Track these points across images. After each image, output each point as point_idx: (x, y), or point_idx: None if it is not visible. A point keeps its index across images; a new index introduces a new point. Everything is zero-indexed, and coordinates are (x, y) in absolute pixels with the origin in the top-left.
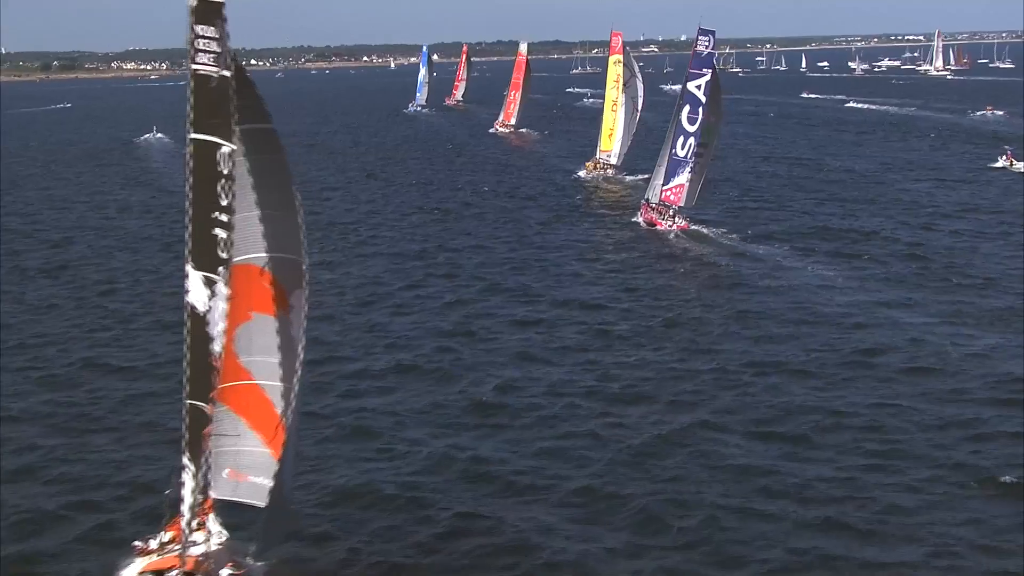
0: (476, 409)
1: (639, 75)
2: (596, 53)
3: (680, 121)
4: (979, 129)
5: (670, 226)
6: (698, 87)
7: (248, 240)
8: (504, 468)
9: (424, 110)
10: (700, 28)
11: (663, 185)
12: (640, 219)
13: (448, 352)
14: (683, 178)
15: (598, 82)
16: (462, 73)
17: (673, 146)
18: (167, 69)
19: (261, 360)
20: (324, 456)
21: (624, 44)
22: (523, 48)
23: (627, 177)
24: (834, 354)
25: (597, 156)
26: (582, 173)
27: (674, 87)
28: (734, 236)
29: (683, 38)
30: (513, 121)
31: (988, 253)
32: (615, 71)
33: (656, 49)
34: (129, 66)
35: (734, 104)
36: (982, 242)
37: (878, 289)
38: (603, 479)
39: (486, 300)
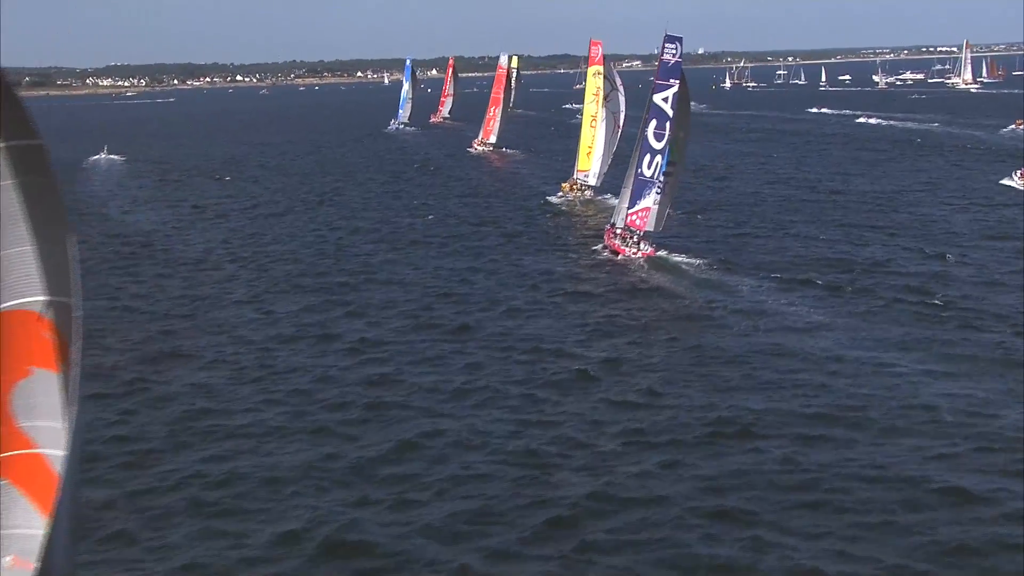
0: (378, 469)
1: (621, 88)
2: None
3: (646, 137)
4: (1004, 146)
5: (634, 254)
6: (665, 100)
7: (21, 281)
8: (384, 545)
9: (406, 128)
10: (666, 35)
11: (628, 208)
12: (603, 246)
13: (356, 404)
14: (649, 200)
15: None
16: (448, 88)
17: (639, 165)
18: (146, 85)
19: (46, 425)
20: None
21: (604, 55)
22: (503, 60)
23: (606, 199)
24: (809, 409)
25: (574, 176)
26: (558, 196)
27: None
28: (709, 265)
29: (700, 51)
30: (493, 139)
31: (988, 284)
32: (594, 84)
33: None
34: (106, 82)
35: (732, 120)
36: (984, 274)
37: (868, 331)
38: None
39: (412, 337)
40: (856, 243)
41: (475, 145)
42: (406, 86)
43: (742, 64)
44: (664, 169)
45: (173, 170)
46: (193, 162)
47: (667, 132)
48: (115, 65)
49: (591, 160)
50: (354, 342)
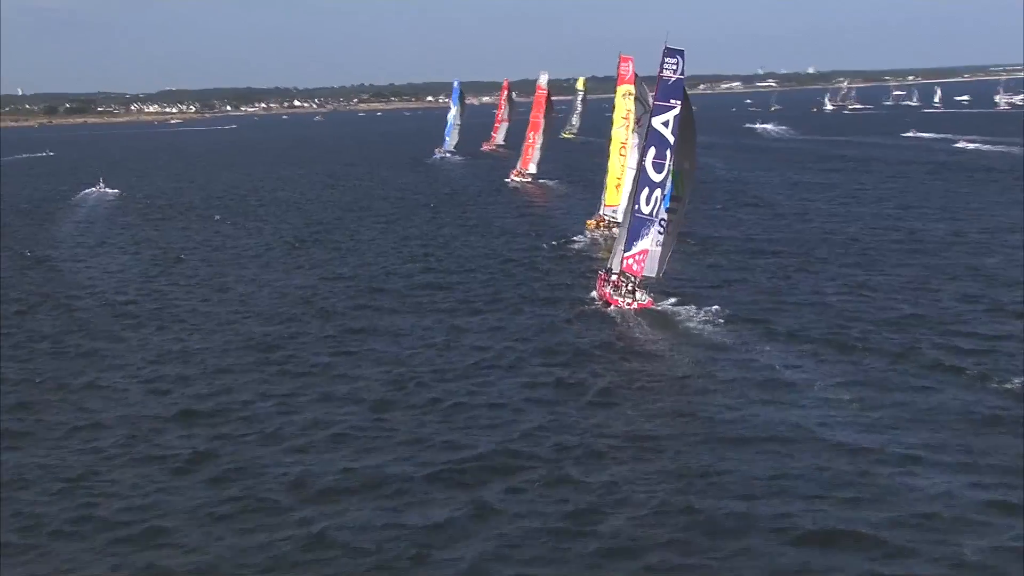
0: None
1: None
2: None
3: (644, 168)
4: None
5: (628, 304)
6: (664, 124)
7: None
8: None
9: (451, 157)
10: (666, 48)
11: (624, 251)
12: (596, 295)
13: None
14: (648, 241)
15: None
16: (503, 113)
17: (636, 201)
18: (195, 112)
19: None
20: None
21: (636, 73)
22: (543, 80)
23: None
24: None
25: (601, 212)
26: (583, 235)
27: (765, 126)
28: (721, 322)
29: (811, 70)
30: (532, 169)
31: None
32: (623, 106)
33: (776, 84)
34: (151, 109)
35: (818, 147)
36: None
37: (920, 432)
38: None
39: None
40: (926, 298)
41: (513, 176)
42: (453, 111)
43: (847, 84)
44: (667, 205)
45: (163, 206)
46: (191, 197)
47: (667, 162)
48: (168, 90)
49: (620, 194)
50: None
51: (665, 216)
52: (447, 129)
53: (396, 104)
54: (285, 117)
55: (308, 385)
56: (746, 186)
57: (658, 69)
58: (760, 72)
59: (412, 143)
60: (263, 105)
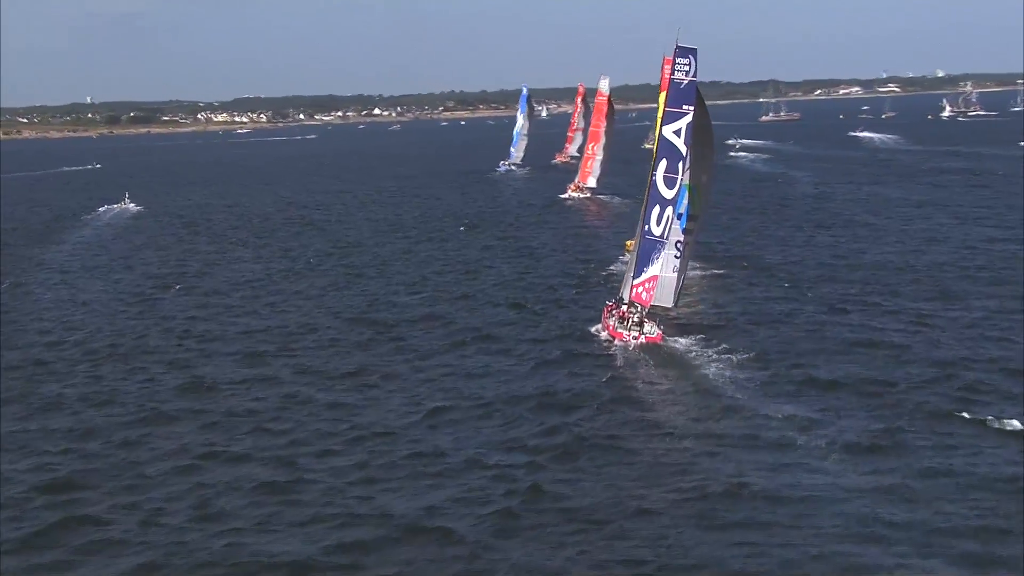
0: None
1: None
2: (794, 96)
3: (655, 183)
4: None
5: (634, 338)
6: (676, 133)
7: None
8: None
9: (516, 170)
10: (677, 47)
11: (634, 278)
12: (601, 328)
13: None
14: (659, 267)
15: (785, 130)
16: (578, 122)
17: (646, 220)
18: (267, 121)
19: None
20: None
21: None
22: (604, 86)
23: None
24: None
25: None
26: (623, 258)
27: (871, 135)
28: (735, 364)
29: (939, 74)
30: (591, 183)
31: None
32: None
33: (897, 89)
34: (220, 118)
35: (924, 159)
36: None
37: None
38: None
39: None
40: (996, 342)
41: (570, 191)
42: (520, 119)
43: (969, 88)
44: (683, 226)
45: (182, 226)
46: (216, 215)
47: (679, 175)
48: (244, 98)
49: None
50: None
51: (681, 238)
52: (513, 140)
53: (483, 112)
54: (361, 126)
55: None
56: (828, 203)
57: (669, 71)
58: (882, 76)
59: (482, 154)
60: (339, 114)
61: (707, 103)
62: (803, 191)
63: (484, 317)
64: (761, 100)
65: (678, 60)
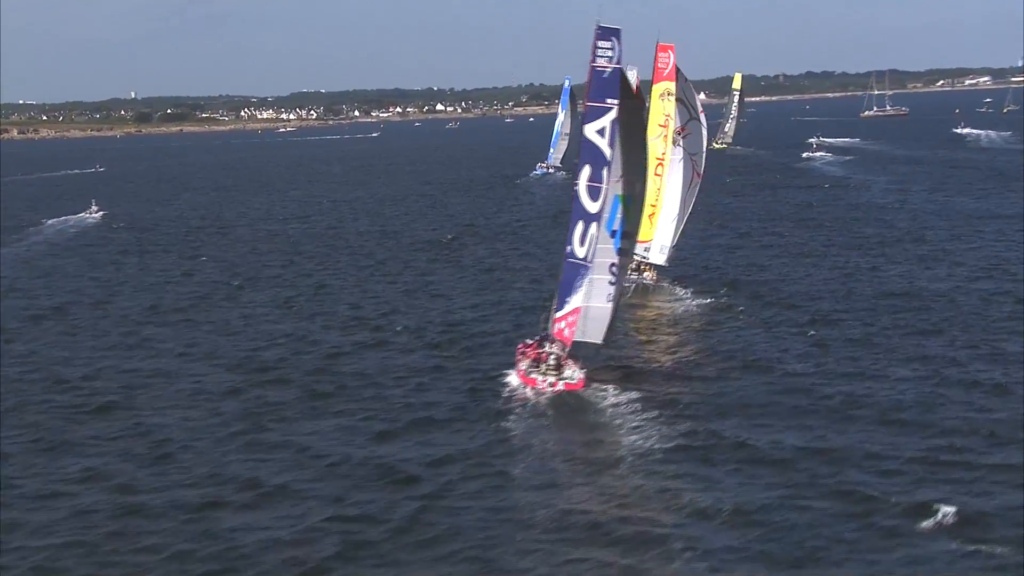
0: None
1: (703, 117)
2: (914, 87)
3: (577, 195)
4: None
5: (550, 385)
6: (599, 132)
7: None
8: None
9: (554, 173)
10: (598, 27)
11: (556, 311)
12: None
13: None
14: (584, 295)
15: (885, 128)
16: None
17: (568, 240)
18: (316, 118)
19: None
20: None
21: (678, 67)
22: (631, 78)
23: (674, 287)
24: None
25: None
26: None
27: (978, 132)
28: (669, 422)
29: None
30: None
31: None
32: (661, 109)
33: None
34: (264, 115)
35: (1003, 160)
36: None
37: None
38: None
39: None
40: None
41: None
42: (561, 117)
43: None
44: (618, 245)
45: (128, 241)
46: (182, 226)
47: (604, 184)
48: (302, 92)
49: (654, 225)
50: None
51: (616, 260)
52: (553, 140)
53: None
54: (417, 124)
55: None
56: (887, 215)
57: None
58: (1021, 64)
59: (528, 155)
60: (398, 109)
61: (815, 96)
62: (866, 200)
63: (379, 361)
64: (867, 93)
65: (599, 44)
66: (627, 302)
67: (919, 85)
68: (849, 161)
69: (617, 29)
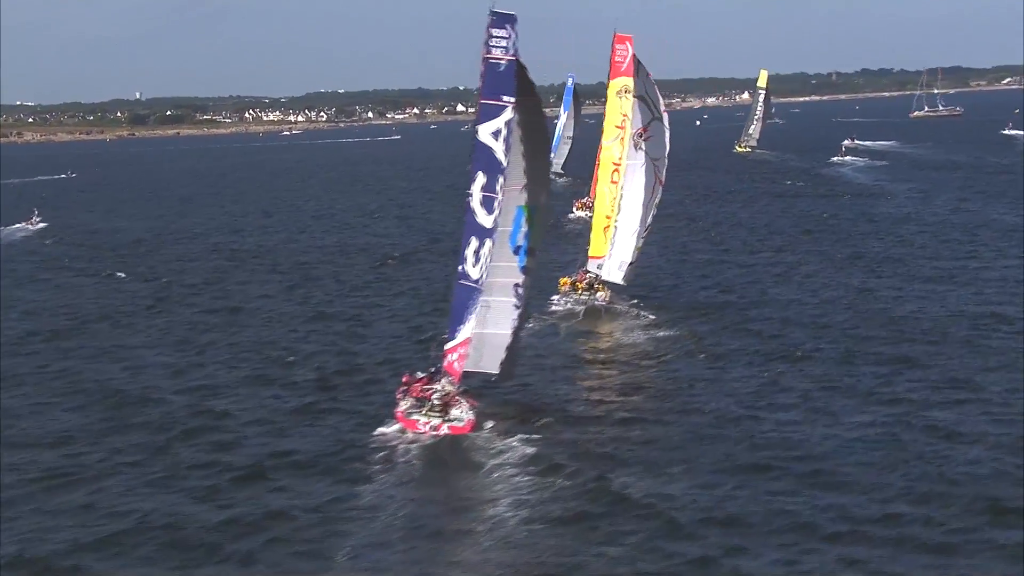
0: None
1: (666, 117)
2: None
3: (470, 207)
4: None
5: (434, 429)
6: (494, 134)
7: None
8: None
9: (553, 180)
10: (492, 13)
11: (448, 341)
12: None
13: None
14: (476, 322)
15: (932, 129)
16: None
17: (461, 259)
18: (326, 120)
19: None
20: None
21: (639, 61)
22: None
23: (631, 307)
24: None
25: (584, 266)
26: (554, 302)
27: (1021, 133)
28: (569, 475)
29: None
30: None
31: None
32: (618, 108)
33: None
34: (271, 116)
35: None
36: None
37: None
38: None
39: None
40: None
41: (576, 209)
42: (563, 119)
43: None
44: (523, 263)
45: (69, 254)
46: (120, 238)
47: (499, 195)
48: (319, 92)
49: (608, 238)
50: None
51: (521, 280)
52: (554, 144)
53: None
54: (433, 126)
55: None
56: (901, 227)
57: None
58: None
59: None
60: (415, 111)
61: (870, 95)
62: (883, 210)
63: (252, 400)
64: (917, 92)
65: (493, 33)
66: (571, 328)
67: (983, 83)
68: (879, 167)
69: (512, 15)
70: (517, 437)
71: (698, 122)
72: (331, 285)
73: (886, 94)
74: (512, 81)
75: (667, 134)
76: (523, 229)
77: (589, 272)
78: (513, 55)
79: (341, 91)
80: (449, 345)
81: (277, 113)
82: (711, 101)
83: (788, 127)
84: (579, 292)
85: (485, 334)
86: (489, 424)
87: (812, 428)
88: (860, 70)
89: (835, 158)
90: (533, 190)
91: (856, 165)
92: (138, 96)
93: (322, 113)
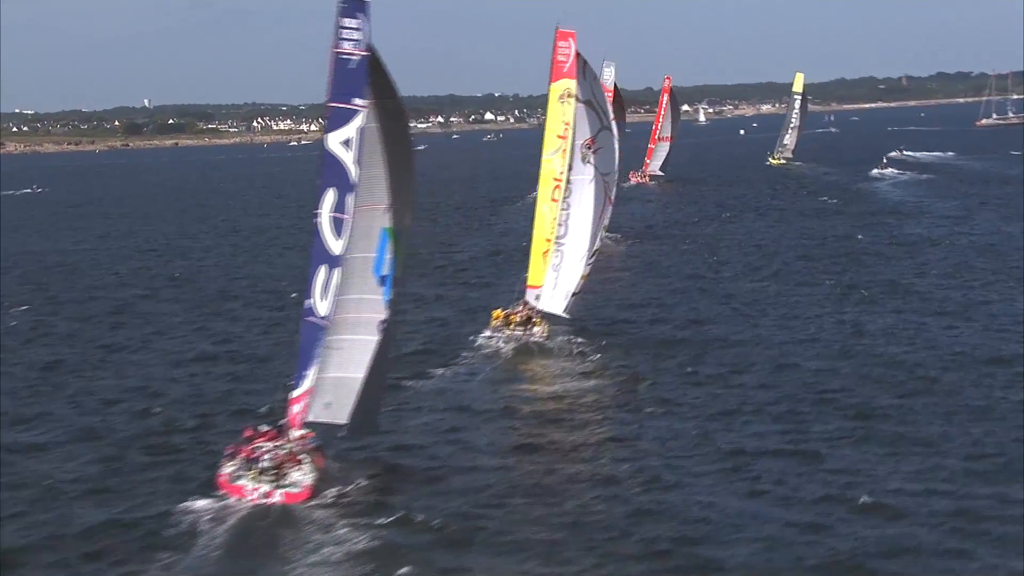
0: None
1: (615, 127)
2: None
3: (318, 231)
4: None
5: (264, 496)
6: (345, 144)
7: None
8: None
9: None
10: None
11: (293, 389)
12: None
13: None
14: (324, 366)
15: (999, 139)
16: (663, 128)
17: (308, 292)
18: None
19: None
20: None
21: (584, 60)
22: (607, 77)
23: (576, 350)
24: None
25: (524, 297)
26: (482, 338)
27: None
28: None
29: None
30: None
31: None
32: (559, 115)
33: None
34: (282, 125)
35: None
36: None
37: None
38: None
39: None
40: None
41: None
42: None
43: None
44: (388, 296)
45: None
46: (53, 261)
47: (349, 216)
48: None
49: (548, 264)
50: None
51: (386, 315)
52: None
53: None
54: (456, 135)
55: None
56: (927, 250)
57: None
58: None
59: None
60: (439, 119)
61: (942, 100)
62: (909, 232)
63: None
64: (985, 98)
65: (343, 22)
66: (492, 370)
67: (995, 90)
68: (922, 181)
69: (365, 2)
70: (366, 509)
71: (743, 131)
72: (245, 316)
73: (960, 100)
74: (365, 80)
75: (616, 145)
76: (389, 256)
77: (527, 303)
78: (367, 50)
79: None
80: (294, 393)
81: (288, 122)
82: (765, 108)
83: (840, 136)
84: (512, 327)
85: (344, 378)
86: (333, 491)
87: (724, 502)
88: (935, 73)
89: (874, 171)
90: (399, 210)
91: (897, 180)
92: (146, 103)
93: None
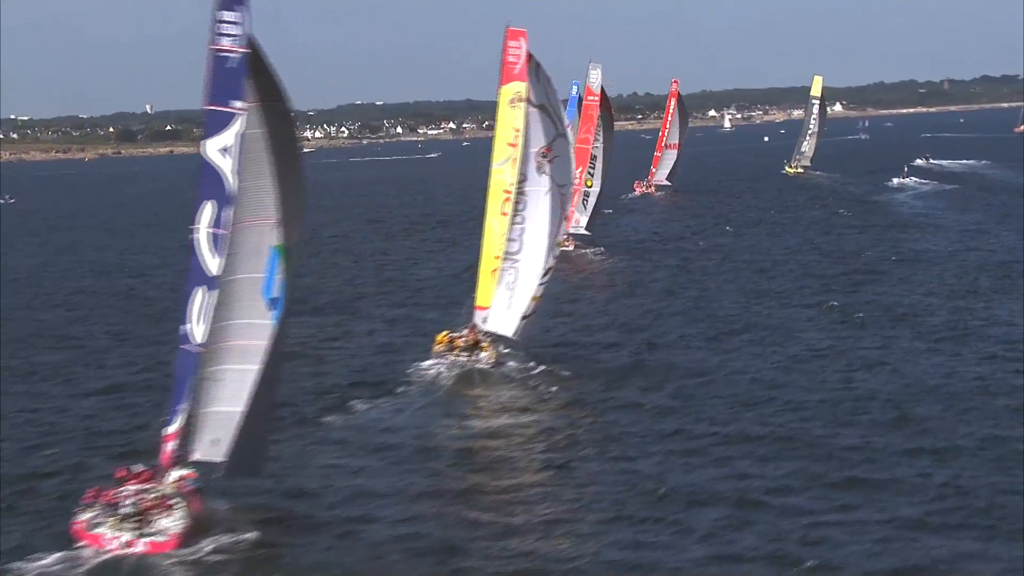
0: None
1: (570, 133)
2: None
3: (195, 248)
4: None
5: (126, 545)
6: (224, 151)
7: None
8: None
9: None
10: None
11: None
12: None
13: None
14: (201, 399)
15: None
16: (670, 135)
17: (183, 318)
18: (347, 136)
19: None
20: None
21: (537, 62)
22: (593, 79)
23: (526, 374)
24: None
25: (472, 321)
26: (430, 361)
27: None
28: None
29: None
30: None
31: None
32: (510, 120)
33: None
34: None
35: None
36: None
37: None
38: None
39: None
40: None
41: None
42: (569, 135)
43: None
44: (276, 318)
45: None
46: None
47: (226, 231)
48: (354, 104)
49: (499, 282)
50: None
51: (273, 341)
52: None
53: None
54: (466, 143)
55: None
56: (938, 267)
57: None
58: None
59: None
60: (451, 125)
61: (986, 105)
62: (922, 247)
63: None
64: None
65: (221, 16)
66: (428, 402)
67: None
68: (945, 192)
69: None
70: (242, 565)
71: (767, 138)
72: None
73: (1004, 105)
74: (243, 80)
75: (572, 153)
76: (279, 276)
77: (475, 326)
78: (248, 47)
79: (379, 103)
80: (168, 430)
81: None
82: (796, 113)
83: (869, 143)
84: (456, 352)
85: (233, 413)
86: (208, 541)
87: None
88: (979, 76)
89: (895, 180)
90: (289, 225)
91: (918, 190)
92: (148, 109)
93: (343, 128)
